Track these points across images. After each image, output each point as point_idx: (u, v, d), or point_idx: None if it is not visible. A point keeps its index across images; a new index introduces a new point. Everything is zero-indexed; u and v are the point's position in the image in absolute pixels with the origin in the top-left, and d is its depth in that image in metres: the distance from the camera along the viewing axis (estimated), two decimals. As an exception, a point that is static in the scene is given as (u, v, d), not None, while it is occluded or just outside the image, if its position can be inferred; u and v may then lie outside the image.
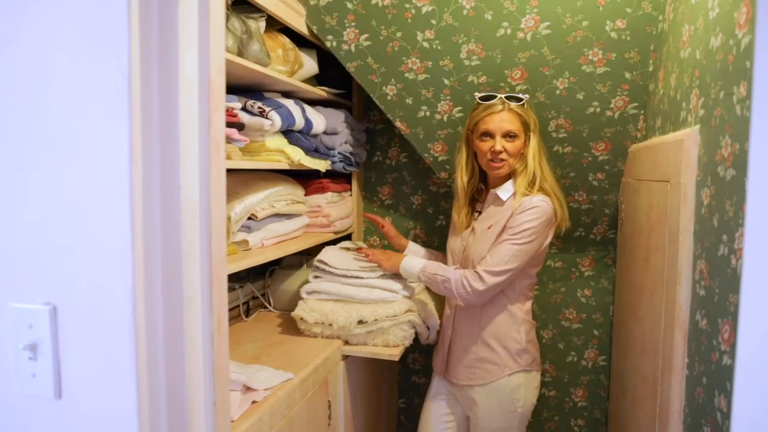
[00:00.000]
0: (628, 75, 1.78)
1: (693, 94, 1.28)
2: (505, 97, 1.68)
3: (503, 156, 1.66)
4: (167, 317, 0.77)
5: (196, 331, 0.80)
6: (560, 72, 1.82)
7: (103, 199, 0.71)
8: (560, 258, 2.25)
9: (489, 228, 1.68)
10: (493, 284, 1.60)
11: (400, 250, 2.01)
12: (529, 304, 1.77)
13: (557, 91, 1.84)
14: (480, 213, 1.78)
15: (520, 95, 1.70)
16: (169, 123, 0.75)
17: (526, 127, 1.69)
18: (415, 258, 1.80)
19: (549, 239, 1.69)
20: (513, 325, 1.71)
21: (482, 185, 1.82)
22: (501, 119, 1.66)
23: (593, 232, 2.16)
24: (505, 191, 1.71)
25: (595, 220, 2.12)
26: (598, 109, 1.85)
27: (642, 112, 1.83)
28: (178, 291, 0.78)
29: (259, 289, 2.18)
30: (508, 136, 1.66)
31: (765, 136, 0.51)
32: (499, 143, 1.66)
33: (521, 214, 1.62)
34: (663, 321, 1.37)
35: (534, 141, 1.70)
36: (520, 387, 1.70)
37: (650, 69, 1.76)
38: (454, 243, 1.83)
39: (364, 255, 1.87)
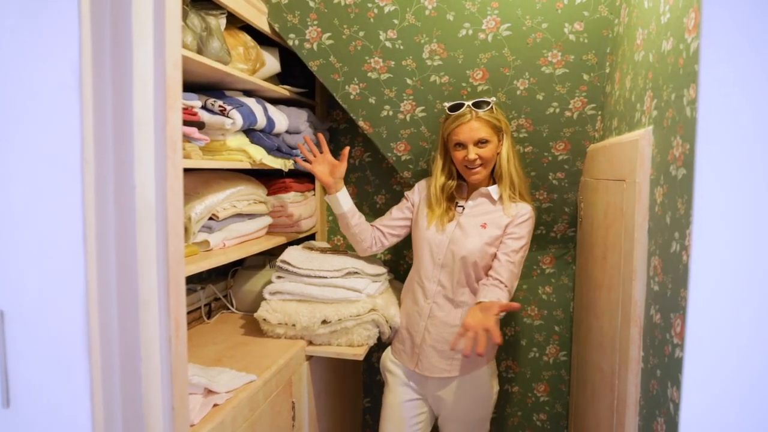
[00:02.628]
0: (586, 76, 1.83)
1: (647, 95, 1.32)
2: (473, 104, 1.71)
3: (478, 162, 1.72)
4: (122, 321, 0.75)
5: (153, 335, 0.78)
6: (521, 73, 1.85)
7: (53, 199, 0.69)
8: (522, 256, 2.28)
9: (483, 226, 1.74)
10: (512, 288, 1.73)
11: (328, 189, 1.85)
12: None
13: (518, 92, 1.87)
14: (464, 208, 1.80)
15: (487, 99, 1.73)
16: (123, 121, 0.73)
17: (496, 129, 1.73)
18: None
19: None
20: None
21: (461, 181, 1.85)
22: (471, 128, 1.70)
23: (554, 230, 2.20)
24: (495, 191, 1.79)
25: (556, 218, 2.16)
26: (557, 110, 1.89)
27: (599, 112, 1.87)
28: (133, 294, 0.76)
29: (221, 291, 2.14)
30: (480, 143, 1.71)
31: (710, 136, 0.53)
32: (472, 152, 1.70)
33: (518, 227, 1.73)
34: (620, 316, 1.41)
35: (507, 142, 1.75)
36: (494, 374, 1.83)
37: (607, 71, 1.80)
38: (434, 237, 1.78)
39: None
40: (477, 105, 1.72)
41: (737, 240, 0.54)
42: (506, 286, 1.67)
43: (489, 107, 1.72)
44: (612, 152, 1.56)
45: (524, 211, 1.75)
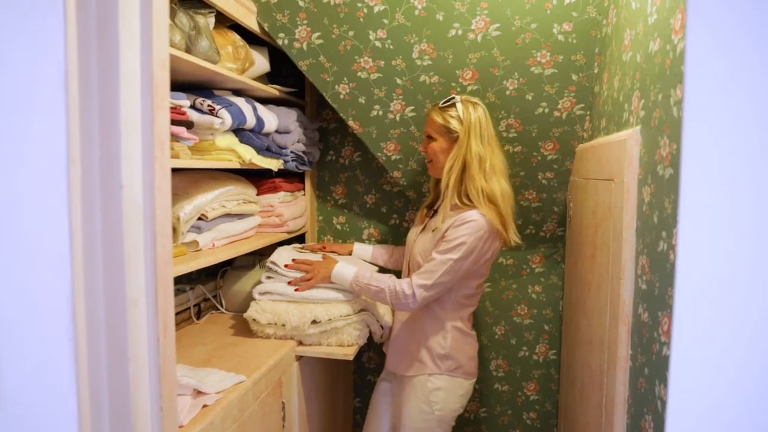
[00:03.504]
0: (574, 77, 1.84)
1: (634, 96, 1.33)
2: (440, 102, 1.71)
3: (427, 157, 1.74)
4: (110, 321, 0.75)
5: (141, 335, 0.77)
6: (510, 73, 1.85)
7: (39, 199, 0.68)
8: (511, 255, 2.29)
9: (434, 231, 1.70)
10: (423, 298, 1.61)
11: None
12: (465, 313, 1.75)
13: (507, 92, 1.88)
14: (436, 212, 1.80)
15: (450, 97, 1.70)
16: (109, 120, 0.72)
17: (447, 131, 1.67)
18: (346, 265, 1.73)
19: (491, 254, 1.67)
20: (439, 331, 1.71)
21: None
22: (428, 119, 1.73)
23: (543, 229, 2.22)
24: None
25: (545, 218, 2.18)
26: (546, 110, 1.90)
27: (588, 112, 1.88)
28: (120, 294, 0.76)
29: (211, 291, 2.13)
30: (428, 137, 1.72)
31: (696, 136, 0.54)
32: (423, 144, 1.74)
33: (457, 228, 1.60)
34: (608, 315, 1.42)
35: (456, 150, 1.65)
36: (440, 390, 1.70)
37: (595, 71, 1.82)
38: (409, 238, 1.86)
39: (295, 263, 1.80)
40: (444, 101, 1.70)
41: (723, 239, 0.54)
42: (392, 281, 1.64)
43: (448, 104, 1.68)
44: (600, 152, 1.57)
45: (467, 216, 1.61)
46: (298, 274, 1.78)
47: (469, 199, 1.64)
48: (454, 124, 1.66)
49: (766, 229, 0.53)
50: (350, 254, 2.06)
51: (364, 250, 2.07)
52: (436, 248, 1.63)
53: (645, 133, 1.23)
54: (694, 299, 0.55)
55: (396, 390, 1.83)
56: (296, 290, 1.71)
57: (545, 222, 2.19)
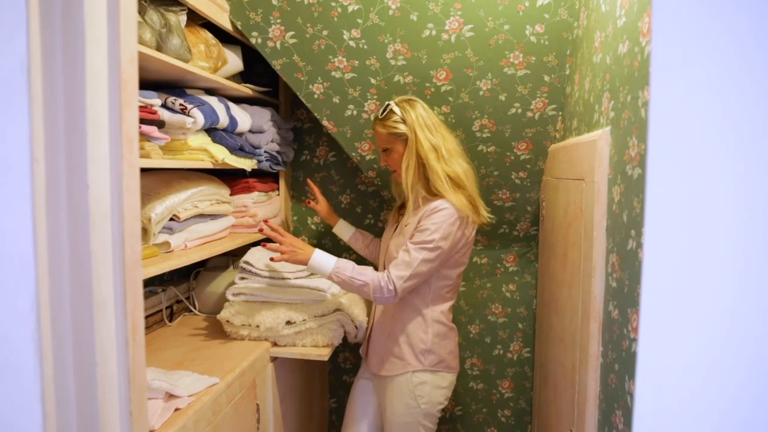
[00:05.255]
0: (547, 78, 1.86)
1: (604, 97, 1.35)
2: (378, 113, 1.73)
3: (391, 168, 1.76)
4: (77, 325, 0.73)
5: (109, 339, 0.76)
6: (483, 73, 1.87)
7: (0, 200, 0.66)
8: (486, 254, 2.31)
9: (406, 226, 1.71)
10: (402, 289, 1.62)
11: (331, 225, 2.10)
12: (446, 306, 1.76)
13: (481, 92, 1.89)
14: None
15: (384, 106, 1.71)
16: (75, 118, 0.70)
17: (395, 136, 1.69)
18: (326, 255, 1.69)
19: (465, 240, 1.68)
20: (421, 325, 1.72)
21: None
22: (376, 136, 1.76)
23: (516, 228, 2.24)
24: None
25: (518, 217, 2.20)
26: (519, 110, 1.92)
27: (560, 113, 1.91)
28: (88, 297, 0.74)
29: (184, 293, 2.10)
30: (384, 150, 1.74)
31: (661, 137, 0.55)
32: (382, 159, 1.77)
33: (428, 218, 1.63)
34: (580, 312, 1.44)
35: (409, 146, 1.67)
36: (424, 384, 1.71)
37: (567, 72, 1.84)
38: (384, 237, 1.89)
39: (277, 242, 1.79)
40: (381, 112, 1.72)
41: (688, 237, 0.55)
42: (375, 275, 1.64)
43: (387, 112, 1.70)
44: (572, 152, 1.59)
45: (434, 206, 1.63)
46: (275, 274, 1.77)
47: (437, 189, 1.66)
48: (401, 128, 1.68)
49: (729, 227, 0.54)
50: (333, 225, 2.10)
51: (346, 228, 2.06)
52: (411, 239, 1.64)
53: (615, 134, 1.25)
54: (659, 296, 0.56)
55: (377, 388, 1.83)
56: (271, 259, 1.66)
57: (519, 221, 2.22)
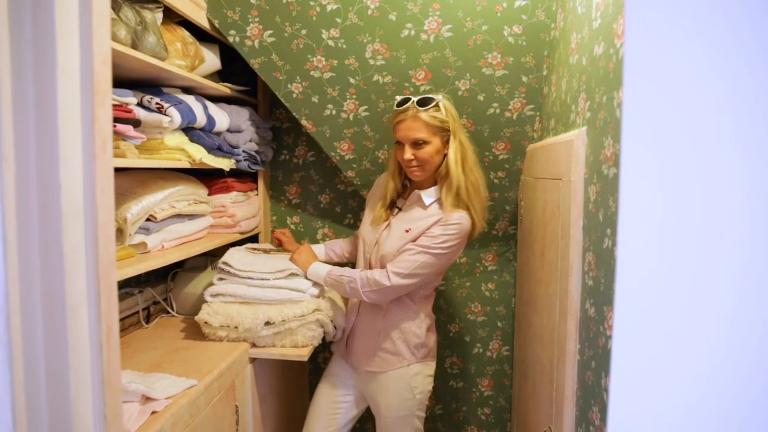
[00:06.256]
0: (524, 78, 1.88)
1: (581, 97, 1.37)
2: (418, 101, 1.62)
3: (414, 164, 1.65)
4: (48, 329, 0.71)
5: (83, 342, 0.74)
6: (462, 74, 1.88)
7: (-32, 200, 0.64)
8: (465, 254, 2.33)
9: (407, 231, 1.69)
10: (398, 285, 1.63)
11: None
12: (432, 301, 1.85)
13: (459, 92, 1.90)
14: (400, 210, 1.78)
15: (433, 96, 1.64)
16: (46, 117, 0.69)
17: (439, 129, 1.64)
18: (321, 264, 1.82)
19: (460, 252, 1.75)
20: (415, 321, 1.76)
21: (407, 182, 1.82)
22: (408, 127, 1.63)
23: (495, 228, 2.26)
24: (429, 196, 1.71)
25: (497, 216, 2.22)
26: (497, 110, 1.94)
27: (538, 113, 1.93)
28: (60, 299, 0.72)
29: (161, 294, 2.07)
30: (417, 143, 1.63)
31: (635, 137, 0.56)
32: (408, 152, 1.63)
33: (445, 227, 1.63)
34: (557, 311, 1.46)
35: (455, 143, 1.65)
36: (418, 375, 1.77)
37: (544, 73, 1.86)
38: (367, 233, 1.82)
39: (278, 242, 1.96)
40: (422, 102, 1.62)
41: (660, 235, 0.56)
42: (363, 272, 1.68)
43: (433, 105, 1.63)
44: (549, 152, 1.61)
45: (453, 218, 1.63)
46: (254, 275, 1.76)
47: (467, 197, 1.66)
48: (448, 124, 1.65)
49: (700, 225, 0.55)
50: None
51: (317, 249, 2.05)
52: (416, 241, 1.65)
53: (591, 134, 1.26)
54: (633, 293, 0.57)
55: (362, 383, 1.82)
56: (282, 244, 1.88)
57: (497, 220, 2.23)
